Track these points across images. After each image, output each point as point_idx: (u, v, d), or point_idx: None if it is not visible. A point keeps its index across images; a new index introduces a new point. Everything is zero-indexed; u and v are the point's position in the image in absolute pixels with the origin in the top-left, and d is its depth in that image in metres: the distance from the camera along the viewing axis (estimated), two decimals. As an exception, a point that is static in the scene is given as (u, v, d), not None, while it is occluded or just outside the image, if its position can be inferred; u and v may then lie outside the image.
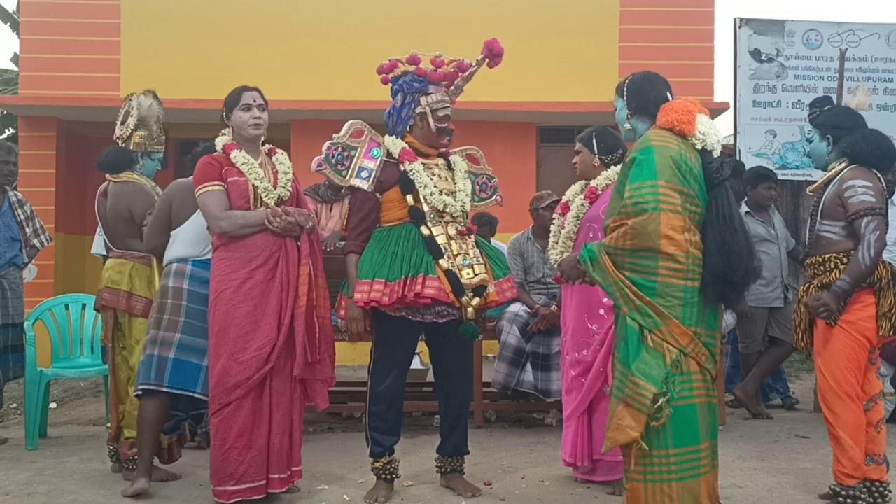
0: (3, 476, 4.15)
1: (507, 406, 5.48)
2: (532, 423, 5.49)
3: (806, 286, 3.68)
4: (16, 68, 12.21)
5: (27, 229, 5.07)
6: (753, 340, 5.77)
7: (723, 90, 21.77)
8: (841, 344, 3.49)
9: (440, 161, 3.77)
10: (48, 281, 9.26)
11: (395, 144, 3.70)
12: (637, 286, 2.78)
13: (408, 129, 3.75)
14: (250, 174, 3.52)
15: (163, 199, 3.90)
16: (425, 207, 3.57)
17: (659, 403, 2.71)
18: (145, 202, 4.06)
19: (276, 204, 3.54)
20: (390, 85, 3.81)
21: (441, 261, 3.47)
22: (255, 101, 3.59)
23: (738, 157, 6.84)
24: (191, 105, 8.41)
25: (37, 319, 5.26)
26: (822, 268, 3.57)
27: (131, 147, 4.15)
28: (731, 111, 7.58)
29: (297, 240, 3.53)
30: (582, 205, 3.93)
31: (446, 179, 3.70)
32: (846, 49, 6.75)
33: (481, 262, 3.58)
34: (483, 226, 5.83)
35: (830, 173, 3.64)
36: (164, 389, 3.67)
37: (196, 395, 3.68)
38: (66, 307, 5.46)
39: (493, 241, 5.64)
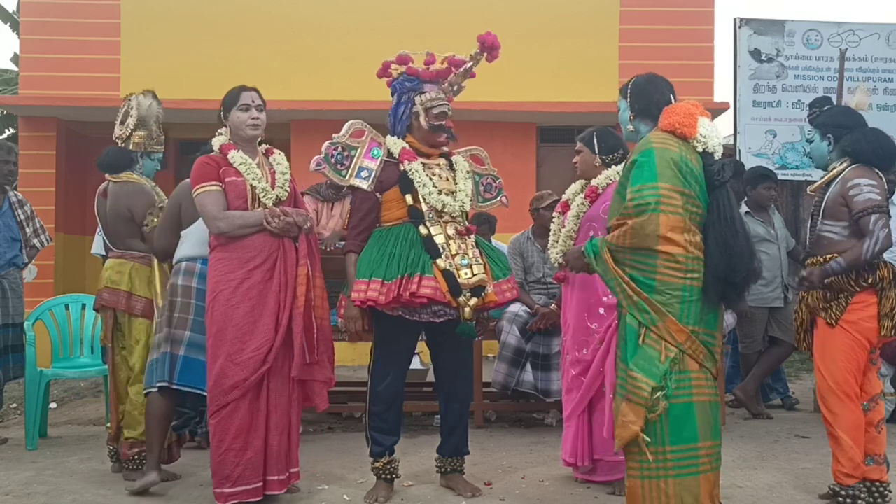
0: (3, 476, 4.15)
1: (507, 406, 5.48)
2: (532, 423, 5.49)
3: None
4: (16, 68, 12.22)
5: (27, 229, 5.07)
6: (753, 340, 5.77)
7: (723, 90, 21.78)
8: (841, 344, 3.49)
9: (442, 161, 3.77)
10: (48, 281, 9.26)
11: (395, 144, 3.71)
12: (636, 282, 2.83)
13: (407, 129, 3.75)
14: (248, 174, 3.51)
15: (172, 199, 3.90)
16: (424, 207, 3.57)
17: (656, 396, 2.76)
18: (145, 202, 4.06)
19: (274, 204, 3.53)
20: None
21: (438, 260, 3.47)
22: (253, 101, 3.59)
23: (738, 157, 6.84)
24: (191, 105, 8.41)
25: (37, 319, 5.26)
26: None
27: (131, 147, 4.14)
28: (731, 111, 7.58)
29: (294, 240, 3.53)
30: (582, 203, 3.93)
31: (447, 179, 3.70)
32: (846, 49, 6.75)
33: (480, 262, 3.57)
34: (482, 225, 5.82)
35: (832, 173, 3.63)
36: (174, 387, 3.69)
37: (204, 393, 3.67)
38: (66, 307, 5.46)
39: (492, 240, 5.64)
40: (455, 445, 3.81)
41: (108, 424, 4.57)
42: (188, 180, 3.78)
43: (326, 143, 3.67)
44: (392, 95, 3.80)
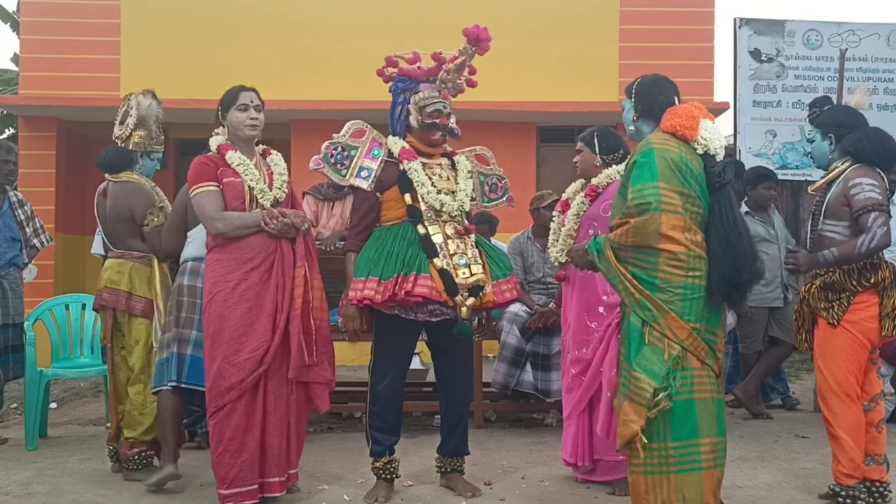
0: (3, 476, 4.15)
1: (507, 406, 5.48)
2: (532, 423, 5.49)
3: (808, 286, 3.67)
4: (16, 68, 12.22)
5: (27, 229, 5.07)
6: (753, 340, 5.77)
7: (723, 90, 21.79)
8: (842, 344, 3.49)
9: (444, 161, 3.76)
10: (48, 281, 9.26)
11: (395, 144, 3.72)
12: (638, 280, 2.87)
13: (406, 129, 3.76)
14: (246, 175, 3.50)
15: (178, 201, 3.91)
16: (423, 206, 3.57)
17: (659, 397, 2.78)
18: (145, 202, 4.06)
19: (272, 205, 3.52)
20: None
21: (435, 259, 3.46)
22: (252, 101, 3.58)
23: (738, 157, 6.84)
24: (190, 105, 8.41)
25: (37, 319, 5.26)
26: (824, 268, 3.56)
27: (130, 147, 4.14)
28: (731, 111, 7.57)
29: (292, 242, 3.52)
30: (582, 202, 3.93)
31: (448, 179, 3.70)
32: (846, 49, 6.74)
33: (479, 262, 3.57)
34: (483, 225, 5.83)
35: (833, 173, 3.62)
36: (183, 386, 3.74)
37: None
38: (66, 307, 5.46)
39: (492, 240, 5.64)
40: (455, 445, 3.81)
41: (108, 424, 4.57)
42: None
43: (326, 143, 3.68)
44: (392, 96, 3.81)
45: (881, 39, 7.14)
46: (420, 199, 3.58)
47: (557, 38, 9.96)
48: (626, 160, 3.12)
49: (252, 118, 3.57)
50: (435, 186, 3.61)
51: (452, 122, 3.77)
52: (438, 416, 4.05)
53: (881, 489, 3.52)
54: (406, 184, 3.60)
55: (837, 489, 3.51)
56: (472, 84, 3.83)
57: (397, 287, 3.39)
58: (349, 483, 3.94)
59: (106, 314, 4.11)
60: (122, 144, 4.16)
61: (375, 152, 3.71)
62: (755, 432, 5.17)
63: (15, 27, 12.38)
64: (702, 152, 2.94)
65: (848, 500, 3.47)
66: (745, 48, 7.08)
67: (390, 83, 3.82)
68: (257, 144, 3.70)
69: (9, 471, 4.25)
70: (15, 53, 12.41)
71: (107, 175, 4.18)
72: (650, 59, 9.40)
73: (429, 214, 3.57)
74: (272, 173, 3.63)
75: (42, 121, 10.04)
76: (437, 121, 3.69)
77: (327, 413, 3.93)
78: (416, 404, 5.28)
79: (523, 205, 5.62)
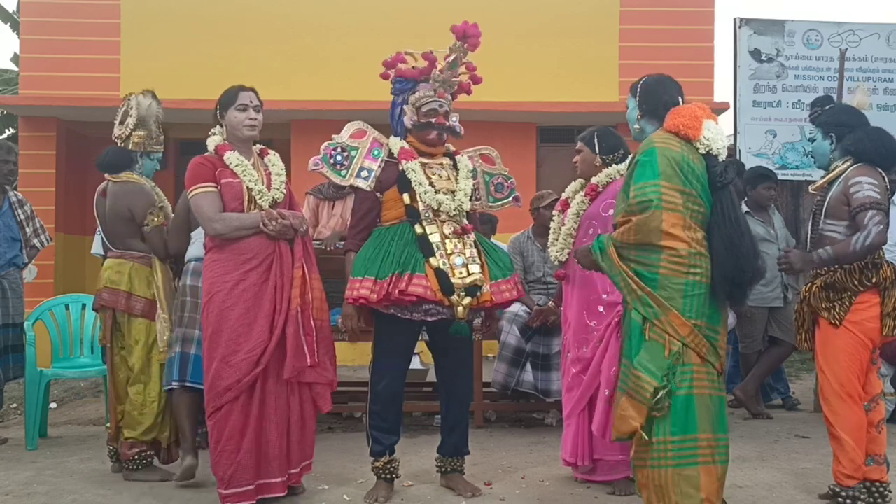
0: (3, 476, 4.15)
1: (507, 406, 5.48)
2: (532, 423, 5.49)
3: (808, 286, 3.67)
4: (16, 68, 12.22)
5: (27, 229, 5.07)
6: (753, 340, 5.77)
7: (723, 90, 21.79)
8: (844, 344, 3.48)
9: (445, 160, 3.76)
10: (48, 281, 9.26)
11: (396, 144, 3.73)
12: (640, 277, 2.91)
13: (407, 129, 3.76)
14: (244, 176, 3.50)
15: (182, 202, 3.93)
16: (420, 206, 3.57)
17: (659, 396, 2.83)
18: (145, 202, 4.06)
19: (270, 206, 3.51)
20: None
21: (432, 259, 3.46)
22: (251, 101, 3.57)
23: (738, 157, 6.84)
24: (190, 105, 8.41)
25: (37, 319, 5.26)
26: (824, 268, 3.56)
27: (130, 147, 4.13)
28: (731, 111, 7.57)
29: (290, 242, 3.51)
30: (582, 202, 3.94)
31: (448, 178, 3.69)
32: (846, 49, 6.73)
33: (478, 261, 3.56)
34: (484, 225, 5.82)
35: (834, 172, 3.62)
36: (188, 384, 3.82)
37: None
38: (66, 307, 5.46)
39: (492, 240, 5.64)
40: (455, 445, 3.81)
41: (108, 424, 4.57)
42: None
43: (325, 144, 3.68)
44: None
45: (881, 39, 7.14)
46: (418, 198, 3.58)
47: (557, 38, 9.96)
48: (630, 159, 3.15)
49: (251, 118, 3.56)
50: (433, 186, 3.61)
51: (454, 120, 3.77)
52: (438, 416, 4.05)
53: (881, 489, 3.52)
54: (404, 183, 3.61)
55: (837, 489, 3.51)
56: (476, 81, 3.83)
57: (391, 286, 3.40)
58: (349, 483, 3.94)
59: (105, 314, 4.11)
60: (122, 144, 4.15)
61: (376, 152, 3.72)
62: (755, 432, 5.17)
63: (15, 27, 12.38)
64: (704, 152, 2.97)
65: (848, 501, 3.46)
66: (745, 48, 7.08)
67: (392, 83, 3.83)
68: (254, 144, 3.69)
69: (9, 471, 4.25)
70: (15, 53, 12.42)
71: (106, 175, 4.18)
72: (650, 59, 9.40)
73: (427, 214, 3.57)
74: (270, 173, 3.62)
75: (42, 121, 10.04)
76: (433, 120, 3.69)
77: (327, 413, 3.93)
78: (416, 404, 5.28)
79: (523, 204, 5.62)
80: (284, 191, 3.62)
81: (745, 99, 7.07)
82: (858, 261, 3.44)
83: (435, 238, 3.53)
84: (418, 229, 3.53)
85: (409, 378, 3.95)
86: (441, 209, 3.58)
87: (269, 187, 3.57)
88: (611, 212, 3.77)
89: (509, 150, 9.84)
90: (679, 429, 2.87)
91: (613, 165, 3.91)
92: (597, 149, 3.95)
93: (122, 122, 4.17)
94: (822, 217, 3.60)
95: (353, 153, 3.70)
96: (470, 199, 3.73)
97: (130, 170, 4.15)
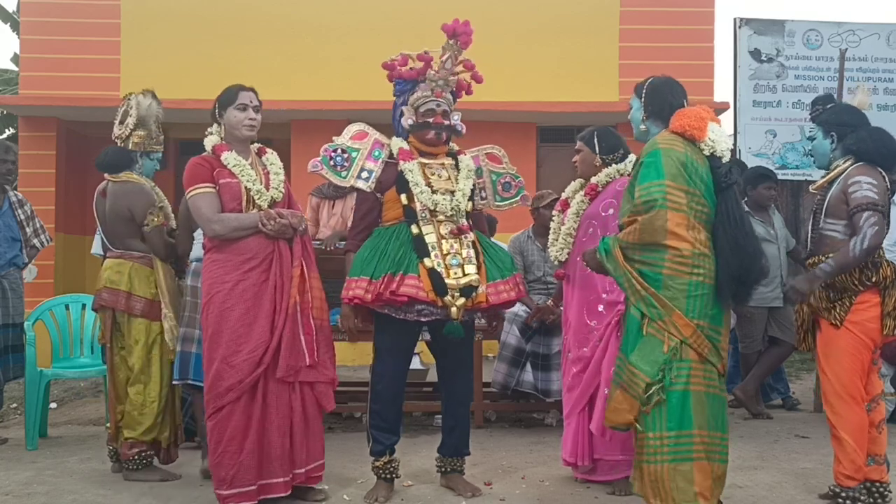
0: (3, 476, 4.15)
1: (507, 406, 5.48)
2: (532, 423, 5.49)
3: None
4: (16, 68, 12.22)
5: (27, 229, 5.07)
6: (753, 340, 5.76)
7: (723, 90, 21.80)
8: (846, 345, 3.47)
9: (447, 160, 3.76)
10: (48, 281, 9.26)
11: (396, 145, 3.73)
12: (644, 278, 2.95)
13: (406, 130, 3.76)
14: (242, 176, 3.49)
15: (184, 204, 3.92)
16: (418, 206, 3.57)
17: (650, 392, 2.89)
18: (145, 202, 4.05)
19: (269, 205, 3.51)
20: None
21: (426, 260, 3.46)
22: (251, 101, 3.56)
23: (738, 157, 6.84)
24: (190, 105, 8.41)
25: (37, 319, 5.26)
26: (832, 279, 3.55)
27: (130, 147, 4.13)
28: (731, 111, 7.58)
29: (289, 242, 3.51)
30: (582, 201, 3.94)
31: (448, 178, 3.69)
32: (846, 49, 6.74)
33: (474, 262, 3.55)
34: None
35: (835, 172, 3.62)
36: (190, 382, 3.91)
37: None
38: (66, 307, 5.46)
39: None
40: (455, 446, 3.81)
41: (108, 424, 4.57)
42: None
43: (324, 147, 3.69)
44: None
45: (881, 39, 7.15)
46: (415, 199, 3.58)
47: (557, 38, 9.96)
48: (635, 161, 3.17)
49: (251, 118, 3.56)
50: (430, 186, 3.61)
51: (455, 119, 3.77)
52: (439, 417, 4.05)
53: (881, 489, 3.51)
54: (402, 184, 3.61)
55: (838, 490, 3.51)
56: (477, 79, 3.82)
57: (383, 286, 3.41)
58: (349, 483, 3.94)
59: (105, 314, 4.11)
60: (122, 144, 4.15)
61: (376, 153, 3.72)
62: (755, 432, 5.17)
63: (15, 27, 12.39)
64: (708, 153, 3.02)
65: (848, 502, 3.46)
66: (745, 48, 7.09)
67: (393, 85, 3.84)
68: (252, 143, 3.69)
69: (9, 471, 4.25)
70: (15, 53, 12.42)
71: (106, 175, 4.17)
72: (650, 59, 9.40)
73: (423, 214, 3.57)
74: (268, 173, 3.62)
75: (42, 121, 10.04)
76: (430, 120, 3.69)
77: (328, 413, 3.94)
78: (416, 404, 5.28)
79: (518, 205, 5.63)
80: (283, 190, 3.61)
81: (745, 99, 7.08)
82: (860, 264, 3.43)
83: (431, 238, 3.52)
84: (414, 230, 3.54)
85: (410, 378, 3.94)
86: (437, 209, 3.57)
87: (267, 187, 3.56)
88: (611, 211, 3.78)
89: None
90: (675, 424, 2.91)
91: (613, 165, 3.91)
92: (597, 148, 3.95)
93: (121, 122, 4.17)
94: (822, 216, 3.60)
95: (353, 155, 3.70)
96: (471, 199, 3.73)
97: (130, 170, 4.15)
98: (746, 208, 5.65)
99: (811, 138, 3.94)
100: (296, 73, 9.63)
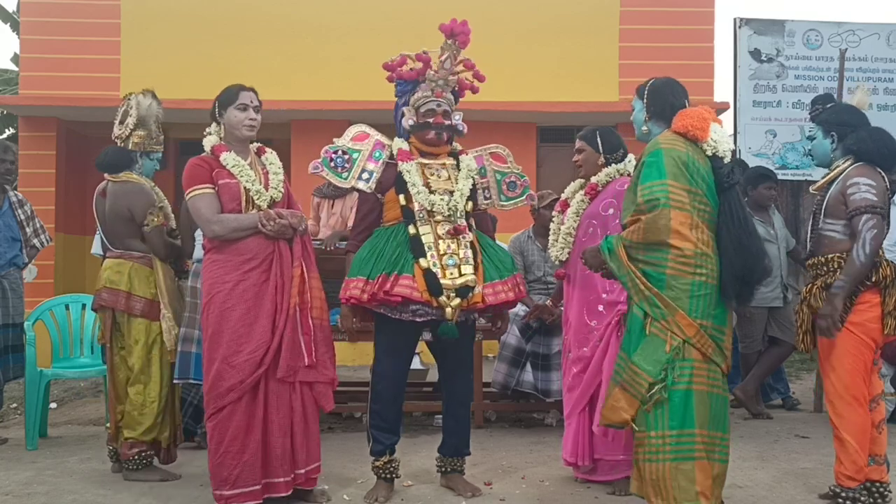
0: (3, 476, 4.15)
1: (507, 406, 5.48)
2: (532, 423, 5.49)
3: (809, 286, 3.66)
4: (16, 68, 12.22)
5: (27, 229, 5.07)
6: (753, 340, 5.77)
7: (723, 90, 21.81)
8: (847, 346, 3.46)
9: (448, 161, 3.76)
10: (48, 281, 9.27)
11: (397, 146, 3.74)
12: (648, 277, 2.96)
13: (407, 130, 3.77)
14: (241, 176, 3.48)
15: (185, 205, 3.93)
16: (416, 207, 3.57)
17: (653, 391, 2.90)
18: (145, 202, 4.05)
19: (269, 206, 3.50)
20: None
21: (421, 260, 3.46)
22: (251, 101, 3.56)
23: (738, 157, 6.84)
24: (190, 105, 8.41)
25: (37, 319, 5.26)
26: (824, 268, 3.55)
27: (130, 147, 4.13)
28: (731, 111, 7.58)
29: (289, 241, 3.51)
30: (582, 201, 3.94)
31: (448, 178, 3.69)
32: (846, 49, 6.74)
33: (471, 262, 3.55)
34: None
35: (834, 171, 3.61)
36: (192, 381, 3.97)
37: None
38: (66, 307, 5.46)
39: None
40: (456, 446, 3.81)
41: (108, 424, 4.57)
42: None
43: (325, 148, 3.70)
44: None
45: (881, 39, 7.15)
46: (413, 199, 3.58)
47: (557, 38, 9.96)
48: (637, 161, 3.17)
49: (251, 119, 3.55)
50: (428, 187, 3.60)
51: (457, 119, 3.77)
52: (439, 416, 4.05)
53: (881, 489, 3.51)
54: (401, 185, 3.61)
55: (838, 490, 3.50)
56: (479, 78, 3.82)
57: (377, 286, 3.41)
58: (349, 483, 3.94)
59: (105, 314, 4.11)
60: (122, 144, 4.15)
61: (377, 154, 3.73)
62: (755, 432, 5.17)
63: (15, 27, 12.39)
64: (710, 153, 3.03)
65: (848, 502, 3.46)
66: (745, 48, 7.09)
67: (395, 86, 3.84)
68: (251, 143, 3.68)
69: (9, 471, 4.25)
70: (15, 53, 12.42)
71: (106, 175, 4.17)
72: (650, 59, 9.41)
73: (421, 215, 3.57)
74: (267, 173, 3.61)
75: (42, 121, 10.05)
76: (431, 120, 3.69)
77: (327, 413, 3.94)
78: (416, 404, 5.28)
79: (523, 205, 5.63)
80: (282, 190, 3.60)
81: (745, 99, 7.08)
82: (868, 268, 3.41)
83: (428, 239, 3.52)
84: (411, 230, 3.54)
85: (410, 378, 3.94)
86: (434, 210, 3.57)
87: (266, 187, 3.55)
88: (611, 211, 3.78)
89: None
90: (677, 423, 2.92)
91: (612, 165, 3.92)
92: (600, 148, 3.95)
93: (121, 122, 4.17)
94: (822, 216, 3.60)
95: (354, 156, 3.70)
96: (472, 199, 3.72)
97: (130, 170, 4.15)
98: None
99: (811, 138, 3.94)
100: (296, 73, 9.63)
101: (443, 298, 3.43)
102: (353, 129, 3.77)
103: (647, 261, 2.96)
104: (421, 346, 4.05)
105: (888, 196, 3.55)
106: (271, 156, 3.69)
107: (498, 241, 4.38)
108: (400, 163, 3.64)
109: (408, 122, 3.72)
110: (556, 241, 4.03)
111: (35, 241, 5.12)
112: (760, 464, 4.36)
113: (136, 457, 3.98)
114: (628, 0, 10.12)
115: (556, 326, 4.80)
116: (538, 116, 10.16)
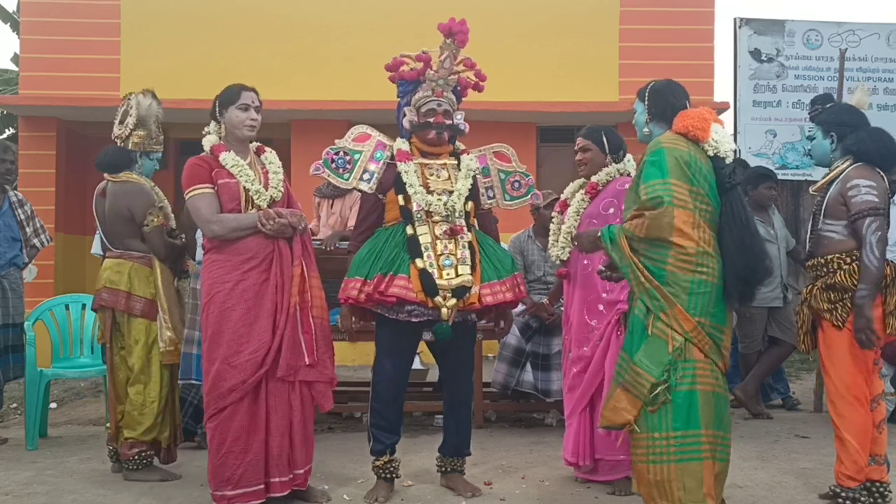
0: (3, 476, 4.15)
1: (507, 406, 5.48)
2: (532, 423, 5.49)
3: (809, 287, 3.66)
4: (16, 68, 12.23)
5: (27, 229, 5.07)
6: (753, 340, 5.76)
7: (723, 90, 21.83)
8: (848, 346, 3.46)
9: (450, 161, 3.75)
10: (48, 281, 9.27)
11: (398, 146, 3.74)
12: (648, 272, 2.96)
13: (408, 130, 3.77)
14: (241, 176, 3.48)
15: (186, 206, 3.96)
16: (414, 207, 3.57)
17: (656, 392, 2.89)
18: (145, 202, 4.05)
19: (269, 205, 3.50)
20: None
21: (418, 260, 3.46)
22: (252, 102, 3.56)
23: (739, 158, 6.84)
24: (190, 105, 8.41)
25: (37, 319, 5.26)
26: (824, 269, 3.55)
27: (130, 147, 4.13)
28: (731, 111, 7.58)
29: (289, 241, 3.51)
30: (582, 200, 3.94)
31: (449, 179, 3.69)
32: (846, 49, 6.74)
33: (469, 263, 3.54)
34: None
35: (834, 172, 3.61)
36: (193, 381, 4.00)
37: None
38: (66, 307, 5.46)
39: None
40: (457, 446, 3.81)
41: (108, 424, 4.57)
42: None
43: (327, 149, 3.70)
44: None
45: (881, 39, 7.15)
46: (411, 199, 3.59)
47: (557, 38, 9.96)
48: (640, 160, 3.17)
49: (252, 119, 3.55)
50: (426, 187, 3.60)
51: (458, 118, 3.76)
52: (439, 416, 4.05)
53: (881, 489, 3.51)
54: (400, 185, 3.61)
55: (838, 490, 3.50)
56: (481, 77, 3.81)
57: (373, 287, 3.42)
58: (349, 483, 3.94)
59: (105, 314, 4.11)
60: (122, 144, 4.15)
61: (378, 155, 3.73)
62: (755, 432, 5.17)
63: (15, 27, 12.39)
64: (712, 154, 3.04)
65: (848, 502, 3.46)
66: (745, 48, 7.10)
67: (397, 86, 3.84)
68: (251, 142, 3.68)
69: (9, 471, 4.25)
70: (15, 53, 12.42)
71: (106, 175, 4.17)
72: (650, 59, 9.41)
73: (419, 215, 3.57)
74: (267, 172, 3.61)
75: (42, 121, 10.05)
76: (431, 120, 3.69)
77: (327, 413, 3.94)
78: (416, 404, 5.27)
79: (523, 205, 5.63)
80: (282, 189, 3.59)
81: (745, 99, 7.09)
82: (882, 270, 3.41)
83: (425, 239, 3.52)
84: (409, 230, 3.54)
85: (410, 378, 3.94)
86: (431, 210, 3.57)
87: (266, 186, 3.55)
88: (611, 210, 3.79)
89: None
90: (682, 424, 2.90)
91: (613, 164, 3.93)
92: (606, 148, 3.96)
93: (121, 122, 4.17)
94: (822, 217, 3.60)
95: (355, 157, 3.70)
96: (473, 199, 3.72)
97: (130, 170, 4.14)
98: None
99: (811, 138, 3.93)
100: (296, 73, 9.63)
101: (438, 299, 3.43)
102: (355, 130, 3.77)
103: (649, 255, 2.96)
104: (421, 346, 4.05)
105: (888, 196, 3.55)
106: (271, 155, 3.69)
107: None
108: (399, 163, 3.65)
109: (409, 121, 3.72)
110: (557, 240, 4.04)
111: (35, 240, 5.12)
112: (760, 464, 4.36)
113: (137, 457, 3.98)
114: (628, 0, 10.12)
115: (556, 326, 4.80)
116: (538, 116, 10.16)
